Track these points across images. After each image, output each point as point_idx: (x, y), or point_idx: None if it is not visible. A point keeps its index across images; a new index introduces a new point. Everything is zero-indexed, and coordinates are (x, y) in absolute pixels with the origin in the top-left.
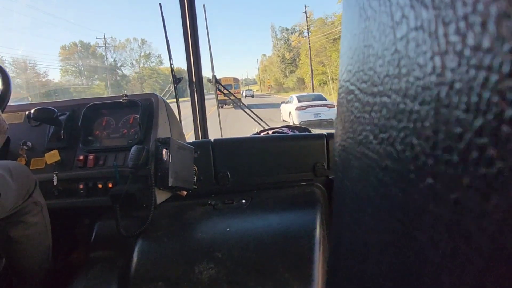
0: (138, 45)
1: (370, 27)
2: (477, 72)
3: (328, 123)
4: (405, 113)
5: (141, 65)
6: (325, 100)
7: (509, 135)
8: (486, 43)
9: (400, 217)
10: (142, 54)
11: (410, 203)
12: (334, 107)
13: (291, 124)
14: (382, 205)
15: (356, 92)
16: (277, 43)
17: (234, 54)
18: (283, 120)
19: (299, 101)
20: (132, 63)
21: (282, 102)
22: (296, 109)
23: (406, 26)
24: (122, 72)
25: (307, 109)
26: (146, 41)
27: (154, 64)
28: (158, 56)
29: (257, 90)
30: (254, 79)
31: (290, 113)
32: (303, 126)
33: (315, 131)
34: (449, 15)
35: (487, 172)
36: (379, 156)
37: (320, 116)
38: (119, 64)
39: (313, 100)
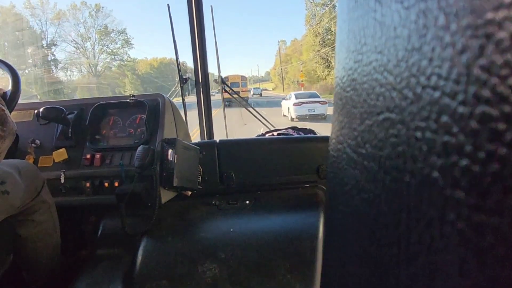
0: (90, 13)
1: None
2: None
3: (321, 117)
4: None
5: (96, 47)
6: (319, 97)
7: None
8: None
9: (381, 216)
10: (98, 27)
11: (391, 202)
12: (326, 103)
13: (289, 117)
14: (366, 205)
15: (347, 99)
16: (316, 12)
17: (242, 50)
18: (284, 115)
19: (296, 98)
20: (78, 41)
21: (283, 99)
22: (294, 104)
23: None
24: (54, 56)
25: (303, 105)
26: (102, 8)
27: (118, 46)
28: (121, 32)
29: (273, 89)
30: (265, 74)
31: (288, 108)
32: (308, 128)
33: (309, 124)
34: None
35: (475, 182)
36: (366, 157)
37: (314, 111)
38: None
39: (309, 97)
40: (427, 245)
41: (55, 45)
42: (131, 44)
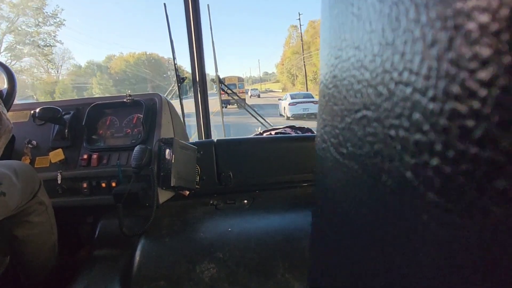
0: None
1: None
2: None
3: (314, 116)
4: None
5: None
6: (313, 98)
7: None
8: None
9: (361, 216)
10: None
11: (370, 202)
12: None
13: (285, 116)
14: (349, 206)
15: (331, 95)
16: None
17: (239, 50)
18: (280, 114)
19: (292, 98)
20: None
21: (279, 99)
22: (289, 104)
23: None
24: None
25: (298, 104)
26: None
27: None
28: (53, 16)
29: (282, 90)
30: (263, 75)
31: (284, 108)
32: (305, 127)
33: (304, 122)
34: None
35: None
36: (346, 157)
37: (308, 110)
38: None
39: (303, 97)
40: (403, 244)
41: None
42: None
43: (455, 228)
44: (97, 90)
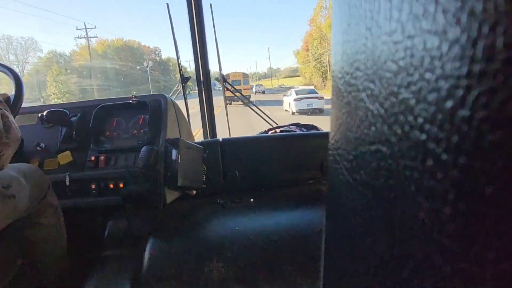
0: None
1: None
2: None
3: (319, 111)
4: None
5: None
6: (317, 93)
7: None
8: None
9: (389, 224)
10: None
11: (398, 209)
12: (323, 98)
13: (290, 111)
14: (365, 209)
15: (345, 93)
16: None
17: (242, 48)
18: (285, 110)
19: (297, 94)
20: None
21: (284, 95)
22: (294, 100)
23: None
24: None
25: (302, 100)
26: None
27: None
28: None
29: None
30: (267, 70)
31: (289, 104)
32: (310, 124)
33: (308, 118)
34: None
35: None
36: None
37: (312, 105)
38: None
39: (308, 93)
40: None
41: None
42: None
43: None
44: (53, 89)
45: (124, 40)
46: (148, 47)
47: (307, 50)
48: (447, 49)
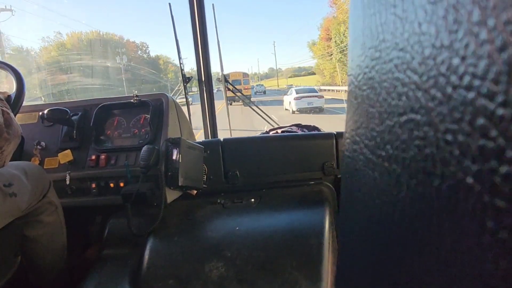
0: None
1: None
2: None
3: (319, 110)
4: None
5: None
6: (316, 92)
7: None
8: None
9: (406, 220)
10: None
11: (418, 206)
12: (323, 97)
13: (290, 110)
14: (388, 208)
15: (365, 93)
16: None
17: (243, 47)
18: (285, 109)
19: (297, 93)
20: None
21: (284, 94)
22: (294, 99)
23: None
24: None
25: (302, 99)
26: None
27: None
28: None
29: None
30: (268, 71)
31: (290, 102)
32: (312, 125)
33: (308, 116)
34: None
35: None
36: (386, 159)
37: (312, 104)
38: None
39: (308, 92)
40: (461, 254)
41: None
42: None
43: None
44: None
45: (101, 33)
46: (133, 42)
47: (329, 39)
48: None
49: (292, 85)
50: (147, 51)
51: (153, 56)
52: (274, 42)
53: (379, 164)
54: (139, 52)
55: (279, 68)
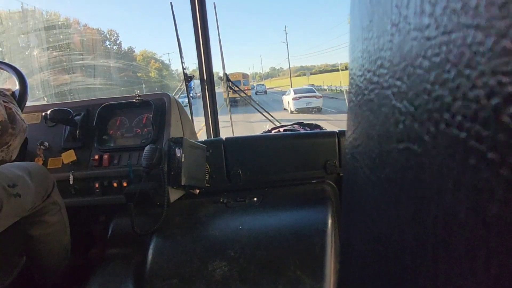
0: None
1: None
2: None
3: (318, 110)
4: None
5: None
6: (315, 92)
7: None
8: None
9: (409, 218)
10: None
11: (420, 204)
12: (321, 97)
13: (289, 110)
14: (391, 205)
15: (365, 91)
16: None
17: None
18: (284, 108)
19: (295, 93)
20: None
21: (283, 94)
22: (293, 99)
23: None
24: None
25: (301, 99)
26: None
27: None
28: None
29: None
30: (270, 70)
31: (288, 102)
32: (314, 124)
33: (307, 116)
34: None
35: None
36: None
37: (311, 104)
38: None
39: (306, 92)
40: (460, 257)
41: None
42: None
43: None
44: None
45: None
46: (96, 30)
47: None
48: (491, 44)
49: (313, 84)
50: (119, 42)
51: (126, 49)
52: (285, 27)
53: (376, 183)
54: (108, 43)
55: (280, 68)
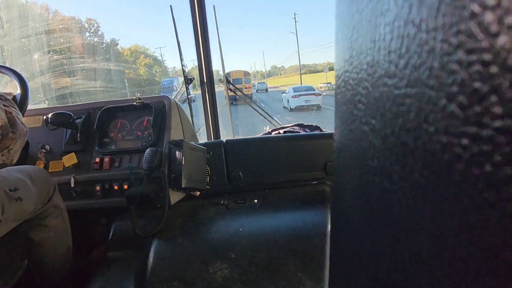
0: None
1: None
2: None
3: (317, 107)
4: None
5: None
6: (314, 90)
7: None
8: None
9: (397, 221)
10: None
11: (407, 206)
12: (320, 95)
13: (288, 108)
14: (378, 209)
15: (351, 90)
16: None
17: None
18: (284, 107)
19: (295, 91)
20: None
21: (283, 93)
22: (292, 97)
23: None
24: None
25: (300, 97)
26: None
27: None
28: None
29: None
30: (271, 68)
31: (288, 101)
32: (314, 125)
33: (307, 114)
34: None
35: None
36: (376, 158)
37: (310, 102)
38: None
39: (305, 90)
40: (452, 251)
41: None
42: None
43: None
44: None
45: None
46: (74, 18)
47: None
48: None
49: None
50: (100, 33)
51: (108, 41)
52: (294, 14)
53: (361, 187)
54: (87, 34)
55: (282, 66)
